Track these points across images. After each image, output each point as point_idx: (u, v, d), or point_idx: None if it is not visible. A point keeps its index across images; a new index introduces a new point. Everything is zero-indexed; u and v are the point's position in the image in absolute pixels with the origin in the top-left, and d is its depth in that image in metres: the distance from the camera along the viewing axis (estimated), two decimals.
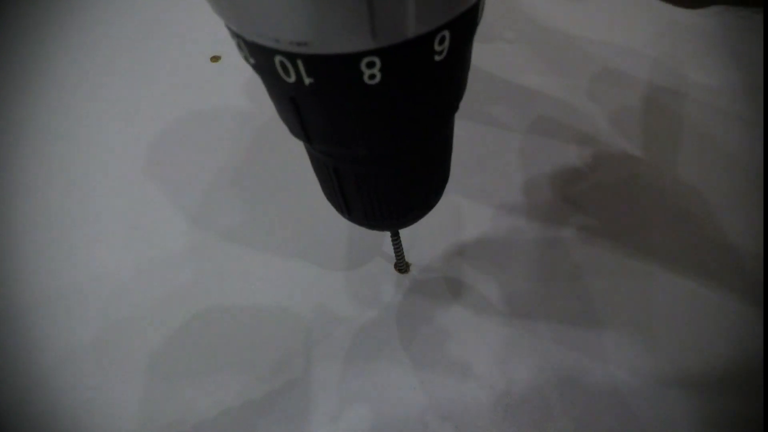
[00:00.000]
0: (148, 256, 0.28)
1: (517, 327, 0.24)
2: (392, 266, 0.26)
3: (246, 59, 0.11)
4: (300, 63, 0.10)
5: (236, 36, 0.11)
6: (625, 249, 0.26)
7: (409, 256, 0.26)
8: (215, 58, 0.37)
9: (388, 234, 0.25)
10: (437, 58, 0.10)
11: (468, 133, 0.31)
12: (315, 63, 0.10)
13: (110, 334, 0.25)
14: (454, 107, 0.14)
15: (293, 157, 0.29)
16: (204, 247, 0.28)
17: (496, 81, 0.33)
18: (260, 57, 0.10)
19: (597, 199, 0.27)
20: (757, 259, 0.25)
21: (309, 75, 0.10)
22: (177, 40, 0.39)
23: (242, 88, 0.35)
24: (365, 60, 0.09)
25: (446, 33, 0.10)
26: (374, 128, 0.12)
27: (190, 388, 0.24)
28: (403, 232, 0.24)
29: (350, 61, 0.09)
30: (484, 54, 0.35)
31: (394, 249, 0.24)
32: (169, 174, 0.31)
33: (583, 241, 0.26)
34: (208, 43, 0.38)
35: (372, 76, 0.10)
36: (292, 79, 0.10)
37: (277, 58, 0.10)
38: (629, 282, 0.25)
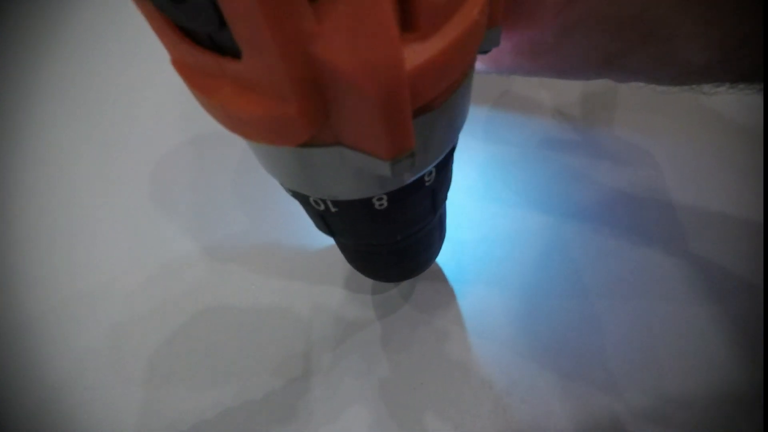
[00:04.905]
0: (149, 259, 0.28)
1: (517, 327, 0.24)
2: None
3: (284, 189, 0.15)
4: (329, 201, 0.14)
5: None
6: (625, 248, 0.26)
7: None
8: None
9: None
10: (428, 183, 0.14)
11: (467, 137, 0.31)
12: (340, 202, 0.14)
13: (111, 335, 0.25)
14: (443, 201, 0.18)
15: None
16: (205, 249, 0.28)
17: (490, 86, 0.33)
18: (297, 196, 0.14)
19: (597, 203, 0.27)
20: (757, 261, 0.25)
21: (335, 207, 0.14)
22: None
23: None
24: (376, 196, 0.13)
25: (434, 169, 0.14)
26: (382, 229, 0.16)
27: (190, 389, 0.24)
28: None
29: (366, 200, 0.13)
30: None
31: None
32: (171, 177, 0.31)
33: (583, 242, 0.26)
34: None
35: (381, 204, 0.14)
36: (322, 208, 0.14)
37: (311, 198, 0.14)
38: (630, 282, 0.25)
